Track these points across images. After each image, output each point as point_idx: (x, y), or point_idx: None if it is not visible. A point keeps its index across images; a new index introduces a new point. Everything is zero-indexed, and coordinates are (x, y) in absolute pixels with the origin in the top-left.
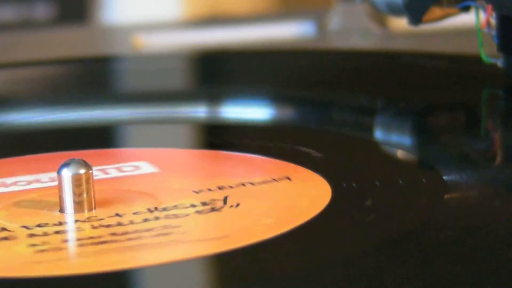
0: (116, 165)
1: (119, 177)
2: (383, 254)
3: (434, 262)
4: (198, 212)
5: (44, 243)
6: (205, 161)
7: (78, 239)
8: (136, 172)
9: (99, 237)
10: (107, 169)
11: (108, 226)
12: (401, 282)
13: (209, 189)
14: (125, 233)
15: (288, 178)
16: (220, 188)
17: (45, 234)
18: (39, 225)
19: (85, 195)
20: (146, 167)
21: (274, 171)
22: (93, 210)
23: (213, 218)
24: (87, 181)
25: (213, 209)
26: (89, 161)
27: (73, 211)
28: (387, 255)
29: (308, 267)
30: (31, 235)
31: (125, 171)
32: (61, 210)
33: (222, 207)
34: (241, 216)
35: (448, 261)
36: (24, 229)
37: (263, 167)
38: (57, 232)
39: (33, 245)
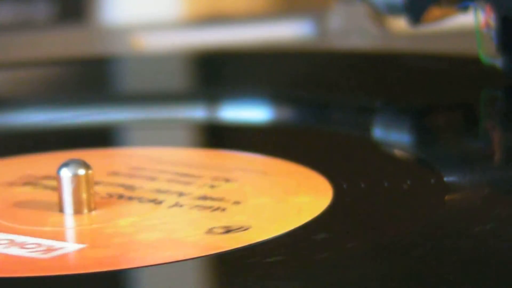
0: None
1: None
2: (383, 254)
3: (435, 263)
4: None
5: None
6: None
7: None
8: None
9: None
10: None
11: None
12: (401, 284)
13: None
14: None
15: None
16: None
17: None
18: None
19: (84, 196)
20: None
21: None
22: (93, 212)
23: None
24: (87, 182)
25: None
26: (88, 161)
27: (72, 212)
28: (387, 255)
29: (308, 267)
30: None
31: None
32: (61, 211)
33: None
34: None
35: (448, 262)
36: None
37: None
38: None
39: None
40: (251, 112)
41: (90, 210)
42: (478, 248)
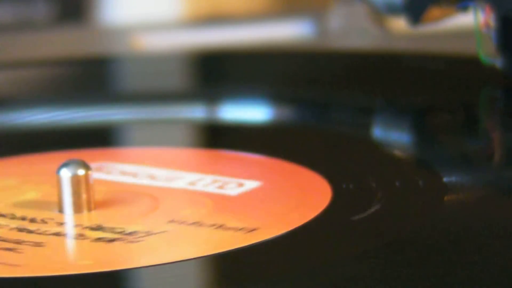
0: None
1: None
2: (383, 255)
3: (434, 263)
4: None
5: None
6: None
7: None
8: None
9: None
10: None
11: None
12: (401, 284)
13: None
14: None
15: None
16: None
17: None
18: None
19: (84, 196)
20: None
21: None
22: (92, 211)
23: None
24: (87, 182)
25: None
26: (88, 161)
27: (72, 212)
28: (387, 256)
29: (308, 268)
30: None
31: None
32: (60, 211)
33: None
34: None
35: (448, 262)
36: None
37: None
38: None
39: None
40: (251, 112)
41: (89, 210)
42: (478, 248)
